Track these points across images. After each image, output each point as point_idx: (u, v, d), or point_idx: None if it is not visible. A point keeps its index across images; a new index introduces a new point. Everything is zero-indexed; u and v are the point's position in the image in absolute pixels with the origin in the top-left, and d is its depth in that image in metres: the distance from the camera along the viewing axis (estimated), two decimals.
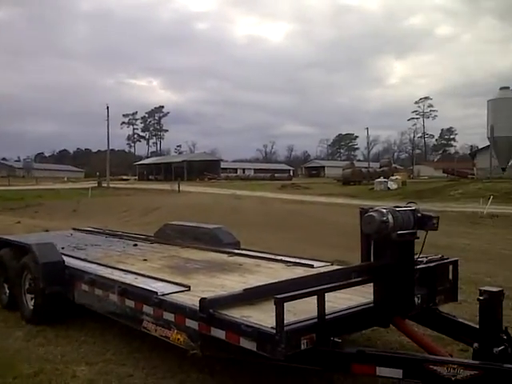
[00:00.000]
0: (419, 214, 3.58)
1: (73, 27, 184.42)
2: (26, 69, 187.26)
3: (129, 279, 4.73)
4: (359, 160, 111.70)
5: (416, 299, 3.75)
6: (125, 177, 78.99)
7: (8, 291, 6.32)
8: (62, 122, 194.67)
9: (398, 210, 3.50)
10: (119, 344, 4.83)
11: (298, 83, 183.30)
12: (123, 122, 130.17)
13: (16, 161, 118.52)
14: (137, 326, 4.31)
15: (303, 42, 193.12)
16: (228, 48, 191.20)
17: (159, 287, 4.32)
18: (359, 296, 3.87)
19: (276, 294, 3.21)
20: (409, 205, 3.70)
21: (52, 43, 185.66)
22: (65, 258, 5.78)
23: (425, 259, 4.11)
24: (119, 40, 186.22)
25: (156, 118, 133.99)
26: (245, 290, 3.88)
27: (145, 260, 6.00)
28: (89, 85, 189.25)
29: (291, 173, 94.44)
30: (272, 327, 3.13)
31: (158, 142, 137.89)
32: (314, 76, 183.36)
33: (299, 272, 5.05)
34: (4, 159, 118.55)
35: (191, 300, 3.91)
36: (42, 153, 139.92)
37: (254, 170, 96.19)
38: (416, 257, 3.73)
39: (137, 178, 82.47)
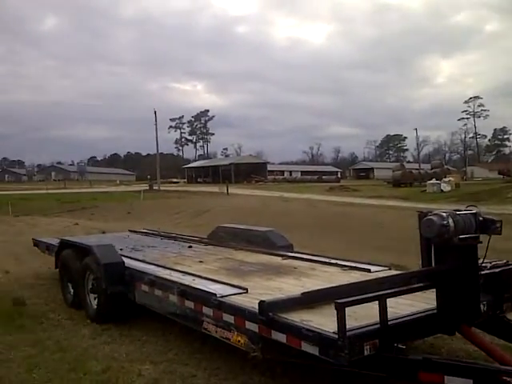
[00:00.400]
0: (481, 218, 3.47)
1: (118, 34, 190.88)
2: (77, 76, 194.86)
3: (187, 280, 4.83)
4: (409, 161, 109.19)
5: (482, 306, 3.64)
6: (174, 179, 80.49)
7: (72, 290, 6.60)
8: (113, 127, 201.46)
9: (459, 214, 3.40)
10: (180, 344, 4.94)
11: (342, 84, 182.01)
12: (170, 126, 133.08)
13: (70, 165, 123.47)
14: (197, 327, 4.39)
15: (345, 42, 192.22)
16: (269, 51, 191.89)
17: (218, 289, 4.39)
18: (421, 302, 3.80)
19: (335, 298, 3.20)
20: (469, 208, 3.60)
21: (100, 50, 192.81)
22: (124, 259, 5.98)
23: (489, 265, 3.99)
24: (163, 45, 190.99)
25: (202, 121, 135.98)
26: (303, 293, 3.88)
27: (201, 262, 6.11)
28: (136, 90, 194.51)
29: (339, 175, 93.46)
30: (334, 332, 3.11)
31: (205, 146, 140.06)
32: (358, 76, 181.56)
33: (356, 276, 5.01)
34: (59, 163, 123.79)
35: (250, 302, 3.95)
36: (95, 157, 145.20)
37: (301, 172, 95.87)
38: (480, 262, 3.62)
39: (186, 180, 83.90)
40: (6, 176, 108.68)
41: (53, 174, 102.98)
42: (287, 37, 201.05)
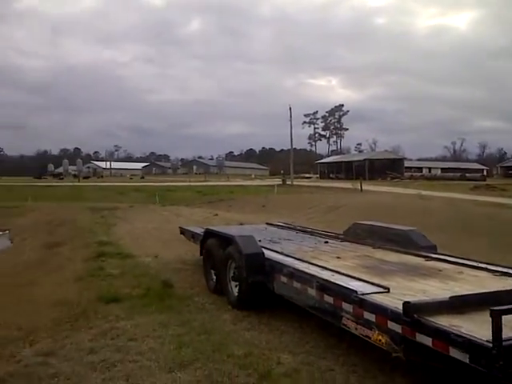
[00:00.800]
0: None
1: (257, 33, 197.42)
2: (217, 75, 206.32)
3: (326, 275, 4.84)
4: None
5: None
6: (307, 175, 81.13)
7: (215, 277, 7.01)
8: (249, 123, 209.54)
9: None
10: (317, 337, 4.99)
11: (489, 74, 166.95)
12: (304, 122, 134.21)
13: (210, 159, 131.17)
14: (336, 322, 4.39)
15: (492, 29, 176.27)
16: (409, 41, 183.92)
17: (358, 286, 4.33)
18: None
19: (488, 304, 3.00)
20: None
21: (239, 50, 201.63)
22: (263, 250, 6.18)
23: None
24: (298, 42, 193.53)
25: (336, 116, 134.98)
26: (451, 297, 3.70)
27: (338, 258, 6.07)
28: (272, 87, 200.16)
29: (485, 172, 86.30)
30: (488, 340, 2.91)
31: (338, 141, 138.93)
32: (507, 65, 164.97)
33: (509, 283, 4.60)
34: (200, 158, 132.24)
35: (392, 302, 3.85)
36: (232, 152, 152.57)
37: (441, 169, 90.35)
38: None
39: (318, 176, 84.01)
40: (154, 169, 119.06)
41: (194, 167, 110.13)
42: (429, 25, 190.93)
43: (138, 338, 5.10)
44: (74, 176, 74.60)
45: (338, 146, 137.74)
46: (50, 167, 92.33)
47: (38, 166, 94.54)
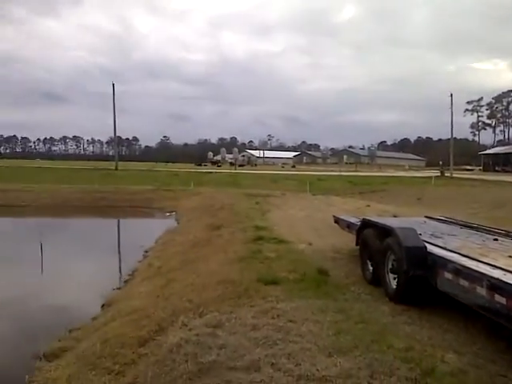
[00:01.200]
0: None
1: (413, 16, 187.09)
2: (370, 62, 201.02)
3: (496, 274, 4.51)
4: None
5: None
6: (468, 167, 75.36)
7: (371, 268, 6.93)
8: (403, 111, 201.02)
9: None
10: (485, 340, 4.69)
11: None
12: (466, 110, 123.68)
13: (361, 149, 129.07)
14: (509, 325, 4.08)
15: None
16: None
17: None
18: None
19: None
20: None
21: (392, 34, 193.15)
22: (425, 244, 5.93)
23: None
24: (461, 24, 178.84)
25: (504, 103, 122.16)
26: None
27: (510, 257, 5.59)
28: (429, 72, 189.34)
29: None
30: None
31: (506, 130, 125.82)
32: None
33: None
34: (351, 147, 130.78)
35: None
36: (385, 141, 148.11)
37: None
38: None
39: (481, 168, 77.43)
40: (304, 158, 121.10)
41: (345, 157, 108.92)
42: None
43: (298, 320, 5.26)
44: (231, 164, 79.02)
45: (506, 136, 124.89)
46: (210, 155, 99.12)
47: (199, 153, 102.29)
